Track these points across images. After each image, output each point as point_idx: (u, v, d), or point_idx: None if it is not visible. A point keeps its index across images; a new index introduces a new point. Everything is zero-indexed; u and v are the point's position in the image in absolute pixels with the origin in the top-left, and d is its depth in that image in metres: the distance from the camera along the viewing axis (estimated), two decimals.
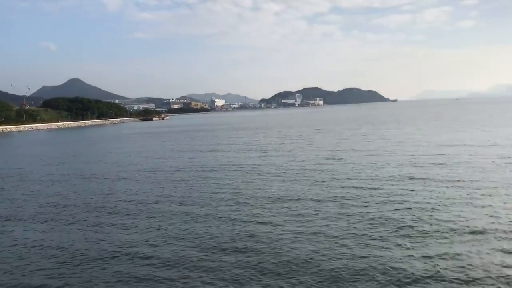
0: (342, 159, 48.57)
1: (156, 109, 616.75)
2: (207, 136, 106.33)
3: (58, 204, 32.19)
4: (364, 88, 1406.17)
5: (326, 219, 24.08)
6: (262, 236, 21.67)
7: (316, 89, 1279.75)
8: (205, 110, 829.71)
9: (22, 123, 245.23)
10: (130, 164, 54.52)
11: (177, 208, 28.82)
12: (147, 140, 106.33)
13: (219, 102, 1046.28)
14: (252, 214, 26.10)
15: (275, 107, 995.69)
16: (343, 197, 29.30)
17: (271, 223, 23.90)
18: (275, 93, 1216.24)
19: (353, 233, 21.37)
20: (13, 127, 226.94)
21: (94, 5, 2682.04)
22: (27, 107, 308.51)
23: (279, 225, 23.37)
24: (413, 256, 17.99)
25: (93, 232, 24.11)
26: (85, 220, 27.00)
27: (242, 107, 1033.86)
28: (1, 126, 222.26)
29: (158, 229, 24.05)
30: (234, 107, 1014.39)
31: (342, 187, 32.64)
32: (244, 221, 24.54)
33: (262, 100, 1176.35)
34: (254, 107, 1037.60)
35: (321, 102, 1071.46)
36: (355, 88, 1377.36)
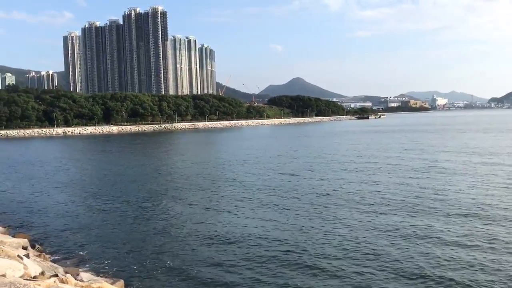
0: None
1: (373, 108, 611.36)
2: (425, 137, 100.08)
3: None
4: None
5: None
6: None
7: None
8: (425, 109, 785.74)
9: (251, 118, 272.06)
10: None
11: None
12: (367, 138, 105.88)
13: (441, 101, 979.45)
14: None
15: (508, 107, 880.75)
16: None
17: None
18: (509, 91, 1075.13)
19: None
20: (243, 122, 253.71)
21: (317, 6, 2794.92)
22: (255, 104, 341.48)
23: None
24: None
25: None
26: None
27: (468, 106, 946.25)
28: (234, 120, 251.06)
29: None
30: (457, 106, 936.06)
31: None
32: None
33: (492, 99, 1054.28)
34: (482, 107, 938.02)
35: None
36: None
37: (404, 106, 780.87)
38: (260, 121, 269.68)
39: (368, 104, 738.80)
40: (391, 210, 27.97)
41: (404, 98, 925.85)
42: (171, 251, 21.33)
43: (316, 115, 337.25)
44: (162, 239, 23.35)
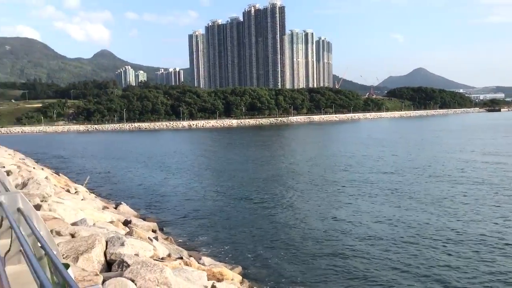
0: None
1: (506, 99, 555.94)
2: None
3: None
4: None
5: None
6: None
7: None
8: None
9: (368, 111, 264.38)
10: None
11: None
12: None
13: None
14: None
15: None
16: None
17: None
18: None
19: None
20: (360, 115, 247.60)
21: None
22: (373, 96, 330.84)
23: None
24: None
25: None
26: None
27: None
28: (350, 113, 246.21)
29: None
30: None
31: None
32: None
33: None
34: None
35: None
36: None
37: None
38: (378, 114, 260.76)
39: (500, 95, 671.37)
40: None
41: None
42: (290, 242, 21.61)
43: (440, 107, 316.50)
44: (281, 230, 23.79)
